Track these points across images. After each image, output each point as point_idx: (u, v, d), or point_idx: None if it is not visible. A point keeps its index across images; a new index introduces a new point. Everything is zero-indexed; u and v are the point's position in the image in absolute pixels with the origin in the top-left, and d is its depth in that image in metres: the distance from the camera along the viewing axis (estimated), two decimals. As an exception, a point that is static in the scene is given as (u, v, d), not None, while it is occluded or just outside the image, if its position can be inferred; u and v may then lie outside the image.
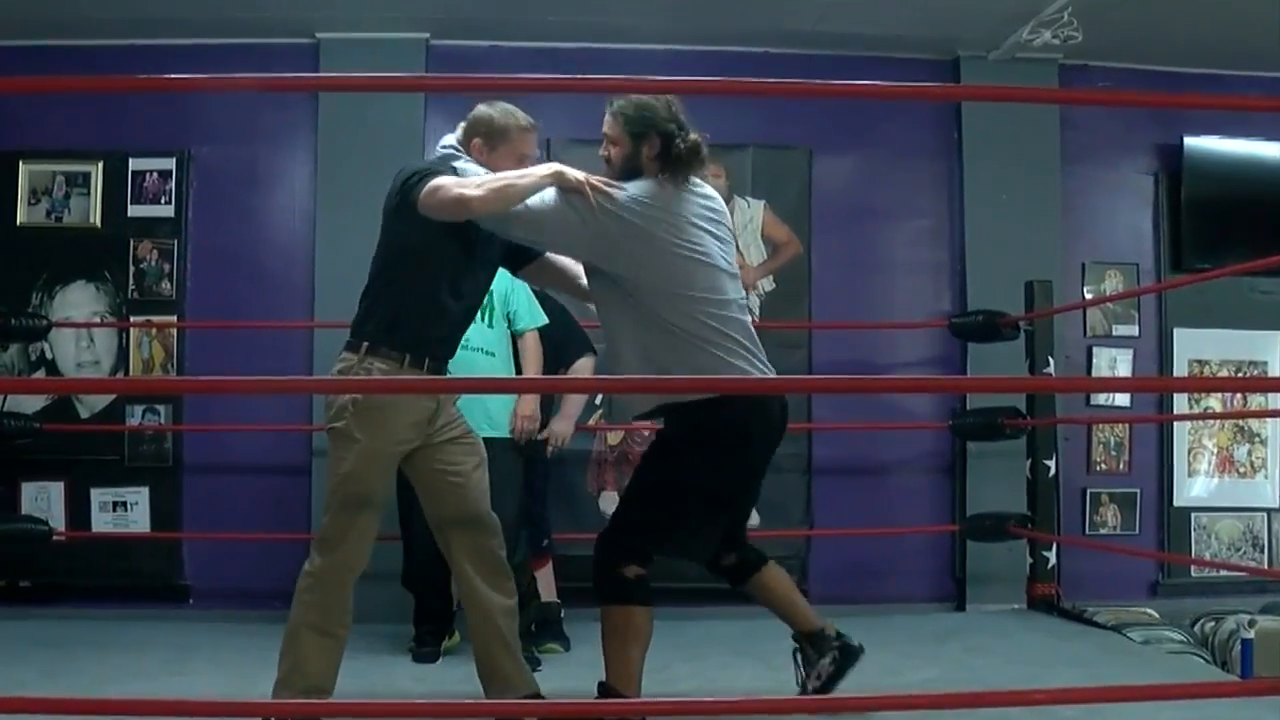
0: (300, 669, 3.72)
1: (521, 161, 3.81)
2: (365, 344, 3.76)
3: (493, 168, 3.77)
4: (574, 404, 5.47)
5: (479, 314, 4.71)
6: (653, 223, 3.63)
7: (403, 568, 5.24)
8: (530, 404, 5.10)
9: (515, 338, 5.12)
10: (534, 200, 3.62)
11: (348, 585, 3.78)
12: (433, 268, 3.76)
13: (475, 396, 4.71)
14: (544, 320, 5.16)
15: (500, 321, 5.04)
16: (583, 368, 5.37)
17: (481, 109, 3.87)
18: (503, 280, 4.82)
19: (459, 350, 4.57)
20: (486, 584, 3.88)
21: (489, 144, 3.83)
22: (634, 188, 3.69)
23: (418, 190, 3.63)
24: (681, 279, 3.65)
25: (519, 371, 5.09)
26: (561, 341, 5.37)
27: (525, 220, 3.62)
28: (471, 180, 3.65)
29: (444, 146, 3.94)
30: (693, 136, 3.75)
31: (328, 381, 5.15)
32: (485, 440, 4.50)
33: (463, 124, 3.93)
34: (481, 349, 4.91)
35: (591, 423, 6.33)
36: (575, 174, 3.66)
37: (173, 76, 5.58)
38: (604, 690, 3.72)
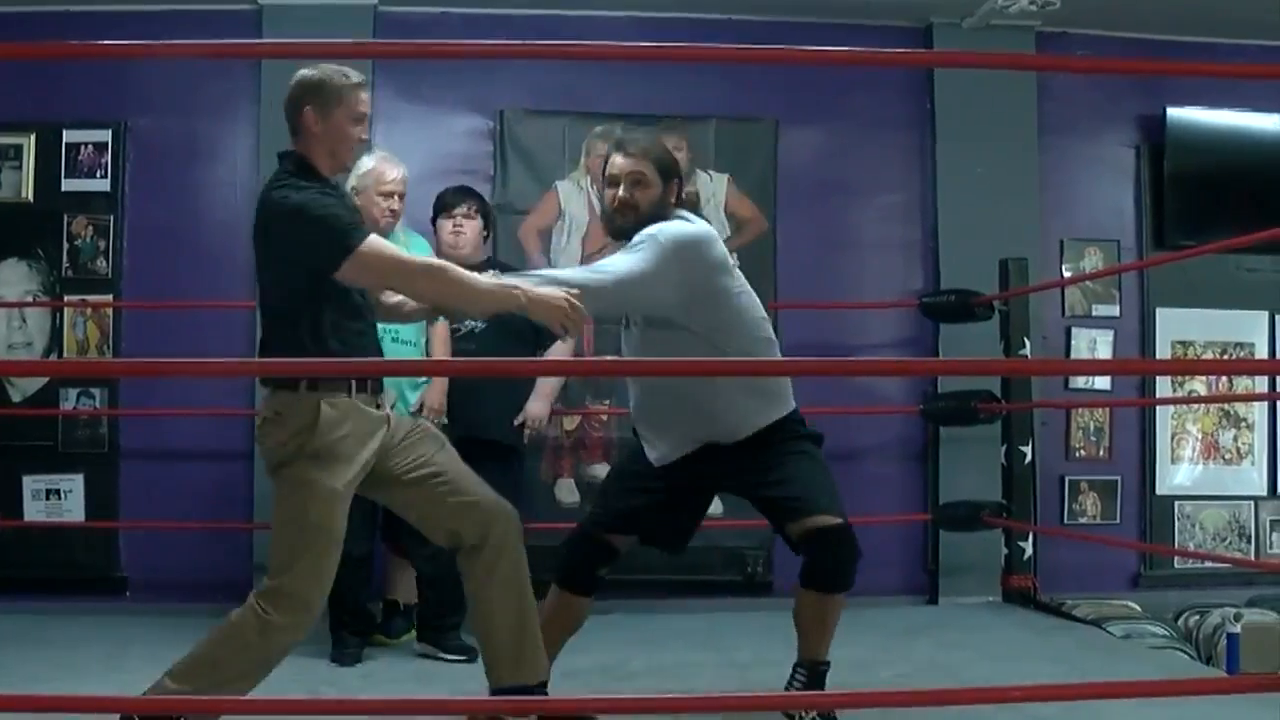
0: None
1: (359, 123, 3.58)
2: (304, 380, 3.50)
3: (330, 133, 3.52)
4: (549, 385, 5.42)
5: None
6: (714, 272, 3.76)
7: None
8: (438, 395, 5.09)
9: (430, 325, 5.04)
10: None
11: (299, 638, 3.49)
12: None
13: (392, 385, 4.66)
14: None
15: None
16: (558, 350, 5.28)
17: (303, 73, 3.58)
18: None
19: (385, 343, 4.58)
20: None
21: (322, 109, 3.53)
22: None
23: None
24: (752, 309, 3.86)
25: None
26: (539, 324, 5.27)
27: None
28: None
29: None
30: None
31: (271, 363, 5.02)
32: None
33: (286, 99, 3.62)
34: (405, 341, 4.99)
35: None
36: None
37: (108, 43, 5.43)
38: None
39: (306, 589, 3.42)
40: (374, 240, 3.39)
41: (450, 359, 5.13)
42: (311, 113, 3.50)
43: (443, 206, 5.33)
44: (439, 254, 5.29)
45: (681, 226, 3.72)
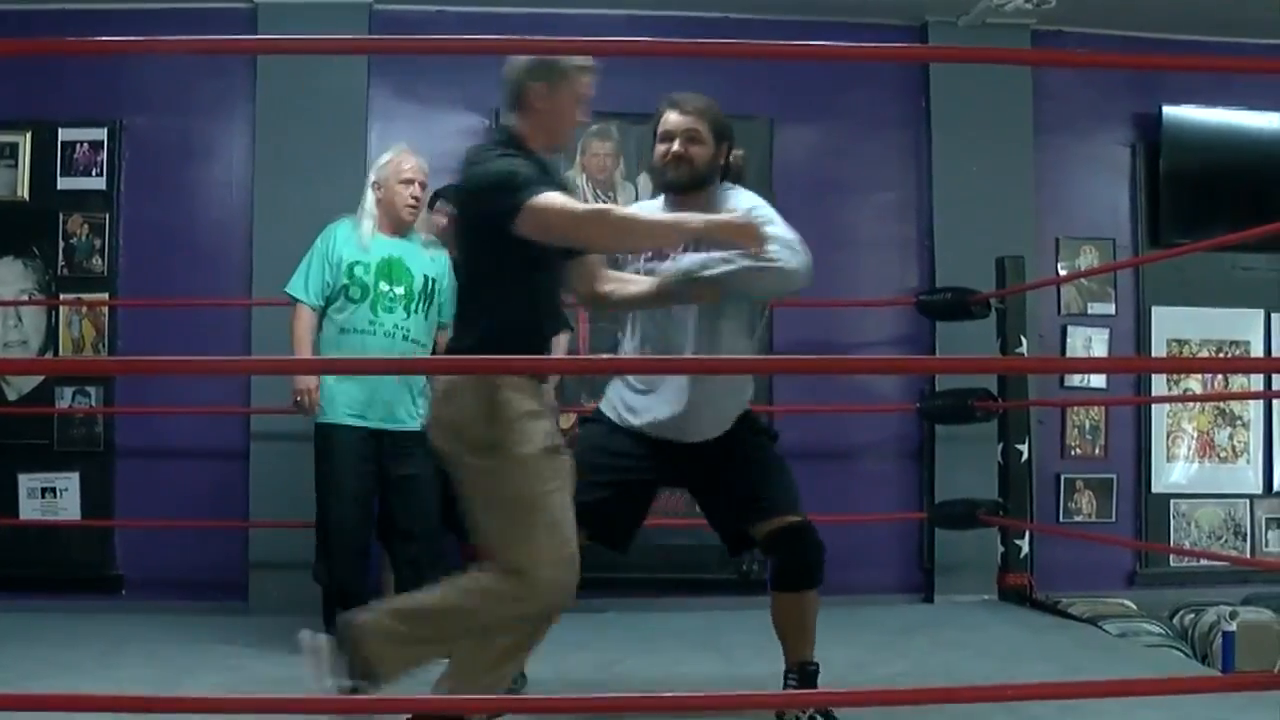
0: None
1: (581, 105, 3.58)
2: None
3: (553, 110, 3.50)
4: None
5: (410, 304, 4.85)
6: None
7: (322, 563, 5.02)
8: None
9: (438, 330, 5.03)
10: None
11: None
12: None
13: (385, 384, 4.78)
14: None
15: (430, 311, 4.98)
16: (558, 345, 5.25)
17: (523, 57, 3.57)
18: (434, 268, 4.94)
19: (384, 338, 4.80)
20: None
21: (550, 86, 3.49)
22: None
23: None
24: None
25: None
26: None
27: None
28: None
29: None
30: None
31: (265, 361, 5.05)
32: (415, 433, 4.69)
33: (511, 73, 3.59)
34: (416, 340, 4.92)
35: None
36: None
37: (103, 40, 5.32)
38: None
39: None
40: (547, 194, 3.28)
41: (446, 358, 5.08)
42: (540, 88, 3.46)
43: (435, 198, 5.33)
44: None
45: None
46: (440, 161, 6.19)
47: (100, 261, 6.19)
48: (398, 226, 4.94)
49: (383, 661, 3.26)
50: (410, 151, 4.99)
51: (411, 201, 4.92)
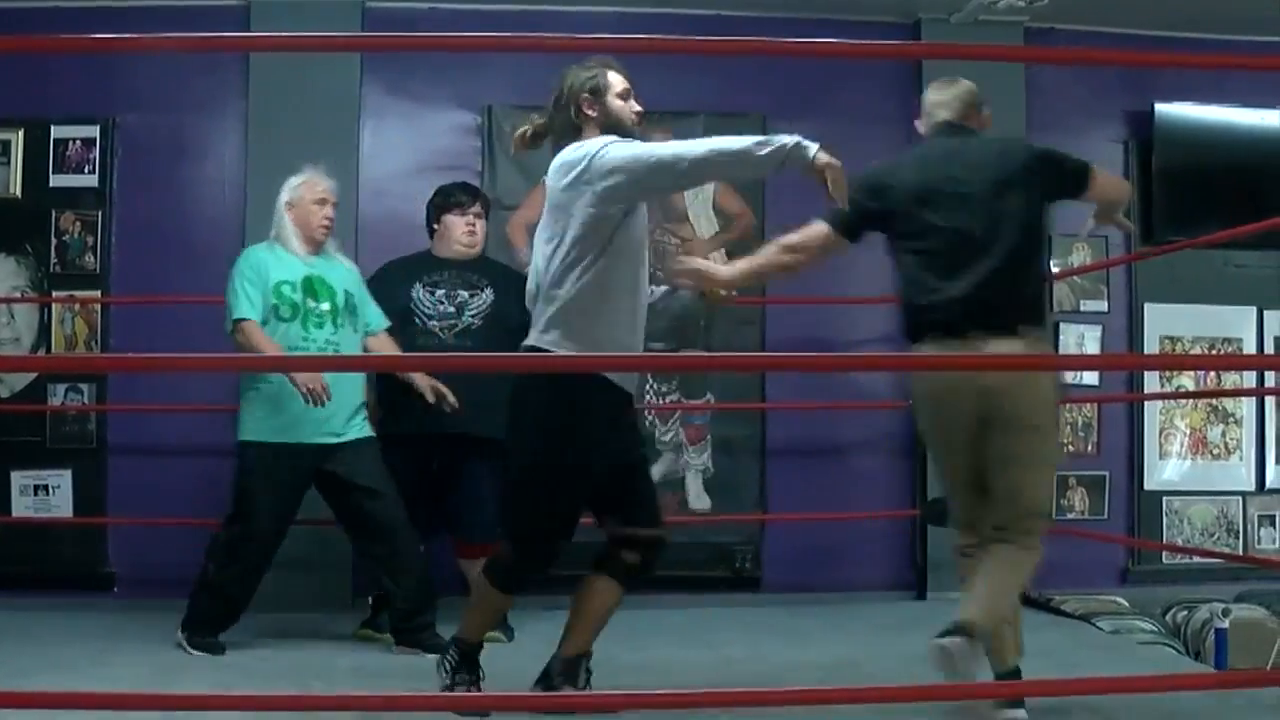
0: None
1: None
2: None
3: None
4: None
5: (336, 318, 4.98)
6: None
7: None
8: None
9: (368, 338, 5.17)
10: None
11: None
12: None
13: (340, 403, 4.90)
14: (388, 322, 5.22)
15: (352, 322, 5.08)
16: None
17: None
18: (350, 282, 5.09)
19: (317, 353, 4.93)
20: None
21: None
22: None
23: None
24: None
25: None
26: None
27: None
28: None
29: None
30: None
31: (256, 359, 5.06)
32: (365, 439, 4.99)
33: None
34: (344, 353, 5.07)
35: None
36: None
37: (96, 36, 5.32)
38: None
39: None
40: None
41: (447, 354, 5.20)
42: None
43: (456, 203, 5.38)
44: (448, 249, 5.35)
45: None
46: (432, 159, 6.29)
47: (93, 259, 6.19)
48: (313, 245, 5.06)
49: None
50: (322, 174, 5.13)
51: (325, 221, 5.06)
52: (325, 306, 4.97)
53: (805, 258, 4.06)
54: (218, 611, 4.94)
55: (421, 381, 5.07)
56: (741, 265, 4.14)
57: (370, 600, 5.42)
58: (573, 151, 3.80)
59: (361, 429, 5.02)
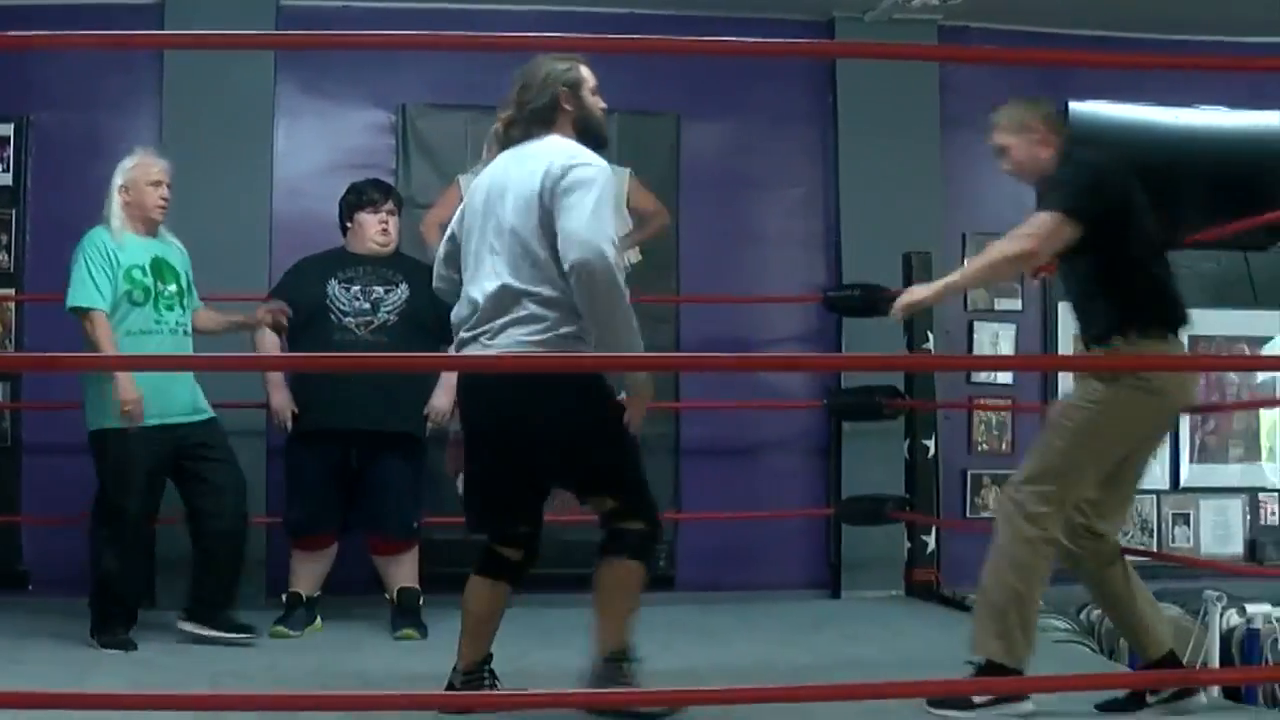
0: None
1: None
2: None
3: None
4: (453, 379, 5.34)
5: (181, 299, 5.05)
6: None
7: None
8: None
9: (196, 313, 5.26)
10: None
11: None
12: None
13: (180, 380, 4.98)
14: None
15: (189, 303, 5.16)
16: None
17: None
18: (184, 261, 5.16)
19: (170, 335, 4.96)
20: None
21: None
22: None
23: None
24: None
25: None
26: (448, 316, 5.33)
27: None
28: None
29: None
30: None
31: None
32: (208, 422, 5.02)
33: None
34: (188, 333, 5.12)
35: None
36: None
37: (9, 34, 5.29)
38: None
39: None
40: None
41: (373, 355, 5.15)
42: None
43: (369, 200, 5.37)
44: (362, 246, 5.36)
45: None
46: (346, 157, 6.26)
47: (7, 257, 6.17)
48: (150, 227, 5.06)
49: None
50: (155, 154, 5.12)
51: (160, 202, 5.04)
52: (173, 288, 5.02)
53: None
54: (118, 606, 4.95)
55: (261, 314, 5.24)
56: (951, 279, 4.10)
57: (284, 598, 5.41)
58: (576, 162, 3.63)
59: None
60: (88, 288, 4.88)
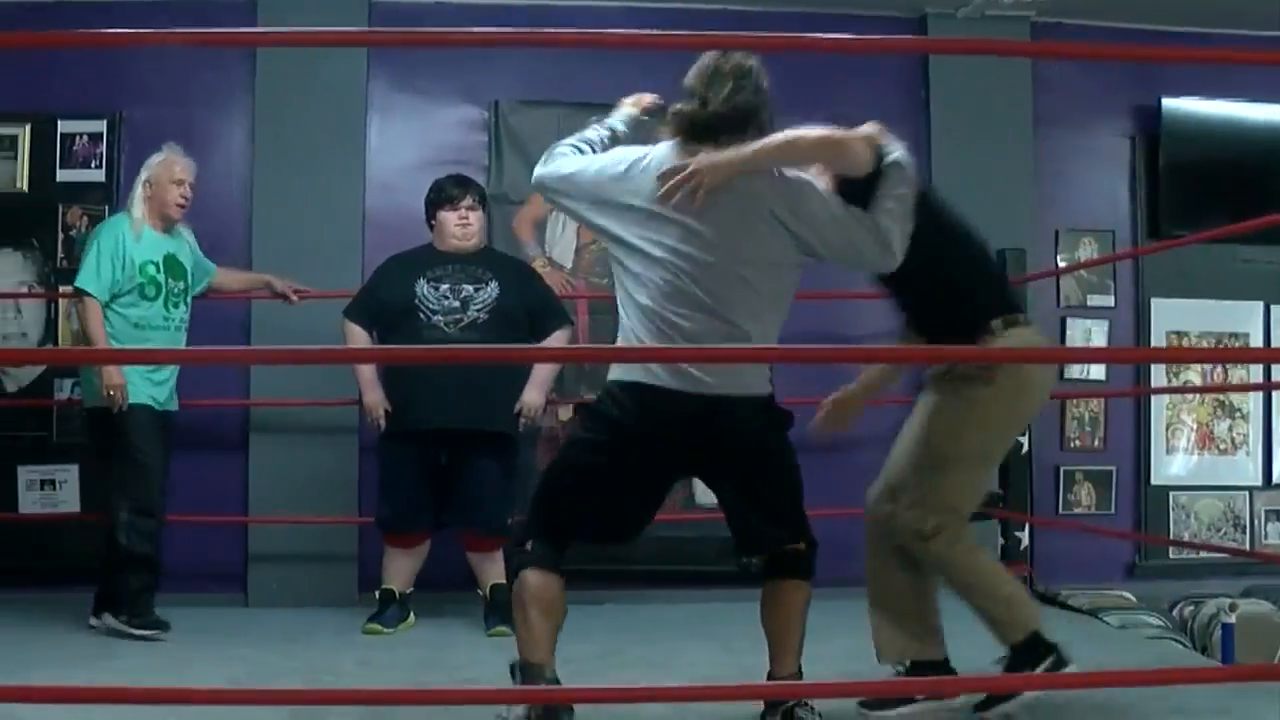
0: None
1: None
2: None
3: None
4: (545, 375, 5.46)
5: (186, 297, 5.24)
6: None
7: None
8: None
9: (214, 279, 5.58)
10: None
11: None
12: None
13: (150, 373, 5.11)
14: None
15: (185, 300, 5.27)
16: (558, 339, 5.38)
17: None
18: (191, 261, 5.34)
19: (175, 331, 5.15)
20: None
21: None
22: None
23: None
24: None
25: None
26: (539, 312, 5.41)
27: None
28: None
29: None
30: None
31: (272, 352, 5.09)
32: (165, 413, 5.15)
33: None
34: (187, 330, 5.30)
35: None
36: None
37: (103, 32, 5.37)
38: None
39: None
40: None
41: (460, 346, 5.24)
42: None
43: (447, 198, 5.36)
44: (445, 243, 5.34)
45: None
46: (439, 154, 6.25)
47: (101, 253, 6.19)
48: (167, 223, 5.20)
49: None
50: (180, 153, 5.26)
51: (181, 200, 5.20)
52: (180, 286, 5.21)
53: None
54: (143, 583, 5.06)
55: (278, 285, 5.57)
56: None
57: (377, 595, 5.40)
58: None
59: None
60: (91, 273, 5.00)
